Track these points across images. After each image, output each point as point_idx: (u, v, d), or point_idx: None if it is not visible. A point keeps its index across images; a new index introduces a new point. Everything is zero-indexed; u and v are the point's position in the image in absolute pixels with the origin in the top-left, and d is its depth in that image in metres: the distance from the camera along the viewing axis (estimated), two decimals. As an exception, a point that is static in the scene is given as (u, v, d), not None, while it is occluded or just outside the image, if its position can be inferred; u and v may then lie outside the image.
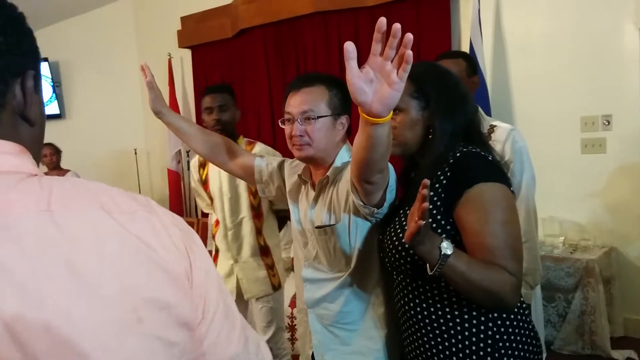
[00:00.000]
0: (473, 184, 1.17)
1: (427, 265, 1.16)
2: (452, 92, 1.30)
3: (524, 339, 1.22)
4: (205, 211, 2.73)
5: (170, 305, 0.57)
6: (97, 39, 5.50)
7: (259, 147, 2.45)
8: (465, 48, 3.42)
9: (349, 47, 0.95)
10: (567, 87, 3.28)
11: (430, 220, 1.22)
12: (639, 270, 3.19)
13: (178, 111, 4.92)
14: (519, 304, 1.23)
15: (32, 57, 0.65)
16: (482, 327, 1.20)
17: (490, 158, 1.24)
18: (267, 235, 2.50)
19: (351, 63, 0.97)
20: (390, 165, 1.36)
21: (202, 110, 2.45)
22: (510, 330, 1.21)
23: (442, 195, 1.22)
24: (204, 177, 2.53)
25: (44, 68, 5.75)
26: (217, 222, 2.51)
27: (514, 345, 1.20)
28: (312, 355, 1.59)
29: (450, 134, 1.27)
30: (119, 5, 5.42)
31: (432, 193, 1.23)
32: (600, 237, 3.25)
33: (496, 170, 1.22)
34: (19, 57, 0.61)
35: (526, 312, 1.27)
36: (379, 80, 1.00)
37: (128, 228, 0.57)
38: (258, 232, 2.46)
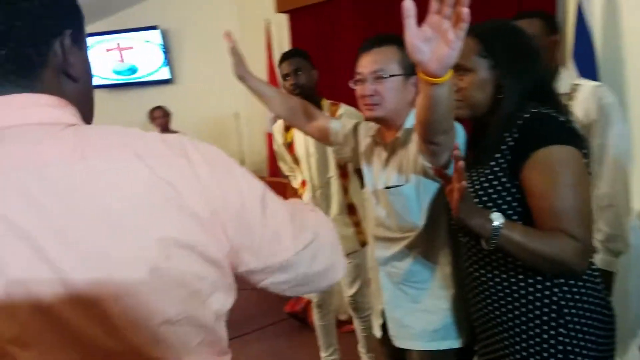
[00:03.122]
0: (541, 146, 1.13)
1: (482, 240, 1.15)
2: (521, 50, 1.25)
3: (592, 307, 1.18)
4: (287, 174, 2.81)
5: (196, 245, 0.61)
6: (202, 6, 5.78)
7: (343, 108, 2.48)
8: (572, 7, 3.15)
9: (408, 5, 0.95)
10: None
11: (496, 183, 1.20)
12: None
13: (275, 75, 5.07)
14: (589, 271, 1.19)
15: (71, 16, 0.68)
16: (547, 292, 1.18)
17: (561, 119, 1.18)
18: (353, 194, 2.54)
19: (409, 21, 0.97)
20: (459, 125, 1.34)
21: (281, 78, 2.53)
22: (577, 297, 1.17)
23: (509, 157, 1.19)
24: (289, 139, 2.60)
25: (155, 36, 6.17)
26: (304, 182, 2.58)
27: (580, 312, 1.17)
28: (383, 311, 1.64)
29: (520, 93, 1.22)
30: (221, -28, 5.63)
31: (498, 155, 1.21)
32: None
33: (567, 132, 1.17)
34: (55, 18, 0.64)
35: (597, 280, 1.22)
36: (436, 39, 0.98)
37: (158, 172, 0.60)
38: (345, 190, 2.51)
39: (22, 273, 0.54)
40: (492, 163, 1.22)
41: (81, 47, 0.69)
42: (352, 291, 2.55)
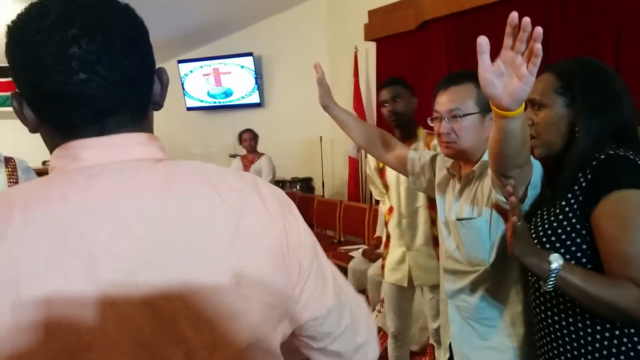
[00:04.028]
0: (614, 189, 1.10)
1: (541, 281, 1.13)
2: (603, 89, 1.21)
3: None
4: (378, 198, 2.83)
5: (266, 273, 0.67)
6: (294, 34, 6.05)
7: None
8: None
9: (482, 41, 0.98)
10: None
11: (565, 223, 1.17)
12: None
13: (361, 101, 5.17)
14: None
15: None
16: (616, 342, 1.12)
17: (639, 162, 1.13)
18: None
19: (483, 57, 1.00)
20: (537, 162, 1.32)
21: (380, 105, 2.58)
22: None
23: (580, 198, 1.16)
24: (381, 165, 2.61)
25: (249, 61, 6.50)
26: (391, 209, 2.58)
27: None
28: (450, 345, 1.62)
29: (597, 133, 1.19)
30: (314, 2, 5.86)
31: (570, 195, 1.18)
32: None
33: None
34: (153, 58, 0.73)
35: None
36: (509, 73, 1.00)
37: (232, 204, 0.67)
38: (432, 222, 2.47)
39: (109, 288, 0.60)
40: (563, 203, 1.19)
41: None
42: (436, 324, 2.49)
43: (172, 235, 0.63)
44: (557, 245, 1.19)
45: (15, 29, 0.65)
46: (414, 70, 4.56)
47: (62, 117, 0.66)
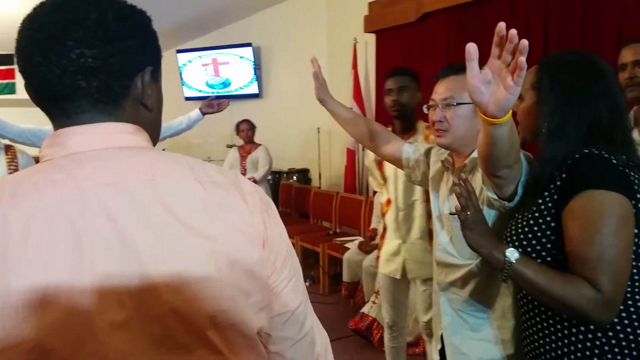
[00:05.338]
0: (583, 189, 1.10)
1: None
2: (574, 87, 1.20)
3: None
4: (376, 189, 2.84)
5: (245, 262, 0.69)
6: (293, 25, 6.03)
7: None
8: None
9: (470, 49, 0.99)
10: None
11: (541, 221, 1.19)
12: None
13: (360, 93, 5.17)
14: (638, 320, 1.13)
15: (153, 55, 0.77)
16: (590, 336, 1.13)
17: (614, 162, 1.12)
18: None
19: (471, 64, 1.01)
20: (528, 157, 1.34)
21: (384, 93, 2.57)
22: (624, 343, 1.11)
23: (555, 197, 1.17)
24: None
25: (248, 52, 6.49)
26: (389, 201, 2.59)
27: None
28: (442, 336, 1.64)
29: (561, 131, 1.19)
30: (314, -7, 5.85)
31: (546, 193, 1.19)
32: None
33: (616, 177, 1.11)
34: (141, 56, 0.73)
35: None
36: (496, 82, 1.02)
37: (214, 196, 0.69)
38: (429, 215, 2.46)
39: (99, 276, 0.61)
40: (540, 201, 1.20)
41: (157, 80, 0.78)
42: (427, 317, 2.51)
43: (157, 223, 0.65)
44: (534, 242, 1.19)
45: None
46: (414, 62, 4.55)
47: (34, 98, 0.71)
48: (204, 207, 0.68)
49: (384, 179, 2.61)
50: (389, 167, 2.55)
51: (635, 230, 1.12)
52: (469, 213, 1.25)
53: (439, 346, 1.66)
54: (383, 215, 2.68)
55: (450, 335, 1.59)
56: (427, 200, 2.44)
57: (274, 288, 0.75)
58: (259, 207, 0.74)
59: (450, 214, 1.51)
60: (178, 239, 0.65)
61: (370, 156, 2.70)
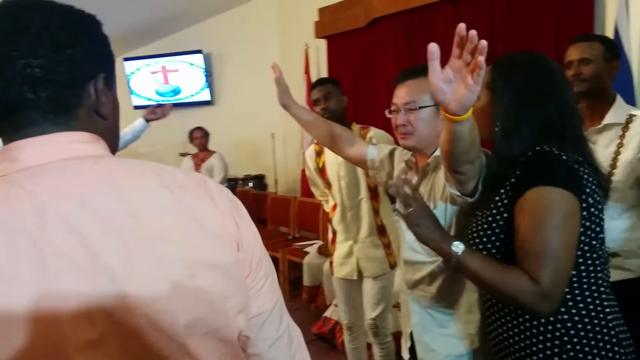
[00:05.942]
0: (532, 186, 1.14)
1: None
2: (524, 87, 1.25)
3: (598, 345, 1.15)
4: (320, 199, 2.87)
5: (220, 265, 0.68)
6: (244, 32, 5.99)
7: (373, 131, 2.54)
8: (610, 31, 3.15)
9: (432, 48, 1.03)
10: None
11: (498, 217, 1.23)
12: None
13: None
14: (595, 311, 1.17)
15: (105, 61, 0.74)
16: (550, 327, 1.17)
17: (564, 159, 1.17)
18: (384, 216, 2.57)
19: (433, 63, 1.05)
20: (488, 154, 1.38)
21: (312, 104, 2.63)
22: (582, 333, 1.15)
23: (510, 193, 1.21)
24: (320, 164, 2.67)
25: (198, 59, 6.40)
26: (335, 206, 2.63)
27: (586, 349, 1.15)
28: (411, 334, 1.67)
29: (514, 130, 1.24)
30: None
31: (502, 191, 1.23)
32: None
33: (565, 174, 1.16)
34: (92, 63, 0.71)
35: (602, 322, 1.16)
36: (457, 81, 1.06)
37: (182, 200, 0.68)
38: (375, 212, 2.54)
39: (63, 293, 0.59)
40: (497, 198, 1.24)
41: (111, 88, 0.76)
42: (374, 314, 2.56)
43: (124, 233, 0.63)
44: (493, 238, 1.23)
45: None
46: (365, 67, 4.62)
47: None
48: (172, 212, 0.67)
49: (328, 185, 2.64)
50: (331, 172, 2.60)
51: (587, 224, 1.16)
52: (410, 210, 1.29)
53: (409, 344, 1.68)
54: (330, 221, 2.71)
55: (420, 333, 1.61)
56: (372, 197, 2.54)
57: (252, 288, 0.74)
58: (229, 208, 0.73)
59: (393, 210, 1.55)
60: (148, 248, 0.63)
61: (310, 166, 2.74)
